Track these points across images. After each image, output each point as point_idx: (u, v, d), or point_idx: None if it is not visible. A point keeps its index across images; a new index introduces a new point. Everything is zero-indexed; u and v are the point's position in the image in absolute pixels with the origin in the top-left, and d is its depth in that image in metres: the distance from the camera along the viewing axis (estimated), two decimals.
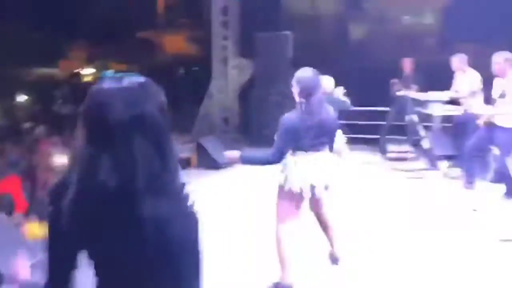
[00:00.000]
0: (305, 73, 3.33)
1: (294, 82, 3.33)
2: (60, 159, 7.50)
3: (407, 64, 7.92)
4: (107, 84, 1.26)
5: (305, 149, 3.25)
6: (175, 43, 32.45)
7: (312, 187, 3.25)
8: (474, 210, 5.12)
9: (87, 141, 1.22)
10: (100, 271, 1.25)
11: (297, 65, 8.88)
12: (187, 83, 9.84)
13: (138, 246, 1.20)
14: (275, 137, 3.26)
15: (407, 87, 7.65)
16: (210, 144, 7.23)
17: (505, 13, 10.26)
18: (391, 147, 7.64)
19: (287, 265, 3.32)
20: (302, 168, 3.24)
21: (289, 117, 3.25)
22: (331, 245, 3.74)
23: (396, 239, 4.35)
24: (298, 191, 3.23)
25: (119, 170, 1.18)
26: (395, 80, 7.85)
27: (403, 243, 4.25)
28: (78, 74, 25.49)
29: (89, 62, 27.51)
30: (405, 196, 5.71)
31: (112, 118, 1.19)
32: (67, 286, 1.27)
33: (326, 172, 3.31)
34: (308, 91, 3.22)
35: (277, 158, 3.24)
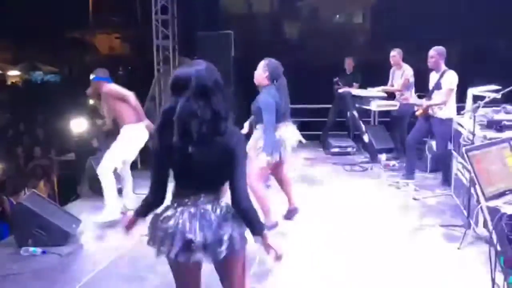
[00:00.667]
0: (274, 60, 4.25)
1: (264, 68, 4.17)
2: None
3: (349, 63, 8.21)
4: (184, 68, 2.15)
5: (280, 120, 4.15)
6: (108, 42, 31.45)
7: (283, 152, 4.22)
8: (414, 199, 5.43)
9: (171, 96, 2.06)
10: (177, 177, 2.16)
11: (238, 63, 8.96)
12: (126, 84, 9.51)
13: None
14: (264, 114, 4.01)
15: (349, 85, 7.95)
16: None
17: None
18: (333, 142, 7.88)
19: (270, 210, 4.29)
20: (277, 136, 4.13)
21: (273, 95, 4.10)
22: (290, 200, 4.65)
23: (345, 230, 4.52)
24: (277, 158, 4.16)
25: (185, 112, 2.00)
26: (336, 78, 8.12)
27: (351, 234, 4.43)
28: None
29: (14, 63, 26.06)
30: (351, 188, 5.93)
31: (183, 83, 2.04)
32: (165, 191, 2.17)
33: (291, 139, 4.31)
34: (278, 74, 4.21)
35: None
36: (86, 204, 5.61)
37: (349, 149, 7.72)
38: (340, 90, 7.58)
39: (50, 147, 8.69)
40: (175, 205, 2.13)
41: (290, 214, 4.64)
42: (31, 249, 4.05)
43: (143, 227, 4.37)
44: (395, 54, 6.88)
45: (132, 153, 5.10)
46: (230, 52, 8.53)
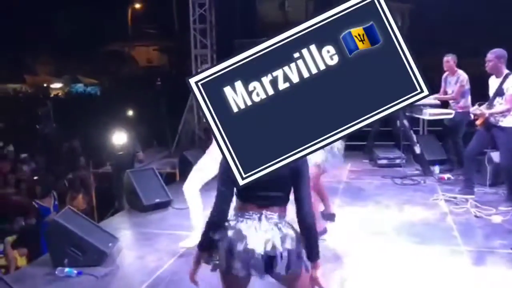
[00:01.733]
0: None
1: None
2: None
3: None
4: None
5: None
6: (146, 54, 31.91)
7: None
8: (476, 216, 4.93)
9: None
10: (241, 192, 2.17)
11: None
12: (164, 95, 9.41)
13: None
14: None
15: None
16: (195, 158, 6.84)
17: None
18: (380, 153, 7.42)
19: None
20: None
21: None
22: (327, 206, 4.48)
23: (396, 250, 4.10)
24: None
25: None
26: None
27: (403, 253, 4.00)
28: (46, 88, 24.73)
29: (57, 75, 26.78)
30: (403, 203, 5.48)
31: None
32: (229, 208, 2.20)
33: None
34: None
35: None
36: (124, 219, 5.41)
37: (398, 161, 7.24)
38: None
39: (89, 159, 8.63)
40: (239, 219, 2.16)
41: (330, 218, 4.55)
42: (66, 269, 3.84)
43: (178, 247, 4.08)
44: (449, 59, 6.41)
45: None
46: None
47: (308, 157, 2.63)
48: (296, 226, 2.20)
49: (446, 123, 6.69)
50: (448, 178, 6.33)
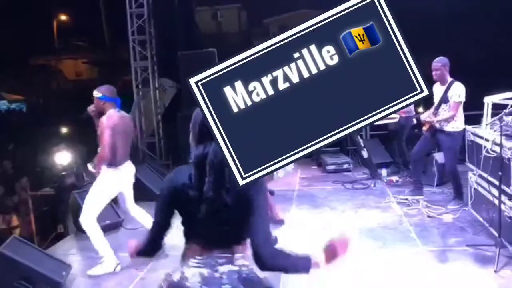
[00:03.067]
0: None
1: None
2: None
3: None
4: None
5: None
6: (74, 67, 30.64)
7: None
8: (429, 216, 5.11)
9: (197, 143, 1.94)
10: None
11: None
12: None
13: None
14: None
15: None
16: (142, 174, 6.58)
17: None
18: (328, 159, 7.54)
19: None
20: None
21: None
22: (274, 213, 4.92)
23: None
24: None
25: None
26: None
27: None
28: None
29: None
30: (356, 208, 5.57)
31: None
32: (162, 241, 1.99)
33: None
34: None
35: None
36: (73, 244, 5.06)
37: (346, 166, 7.39)
38: None
39: (20, 181, 8.03)
40: (189, 264, 1.85)
41: (278, 223, 4.98)
42: None
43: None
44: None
45: (113, 195, 4.39)
46: None
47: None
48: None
49: (390, 128, 6.92)
50: (396, 181, 6.53)
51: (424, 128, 5.43)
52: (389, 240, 4.49)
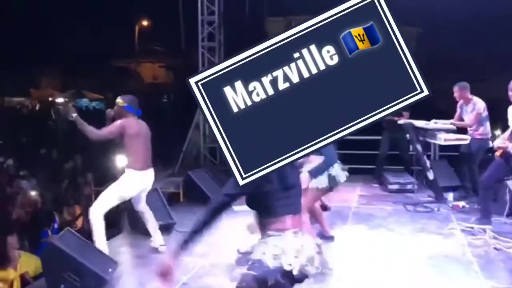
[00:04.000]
0: None
1: None
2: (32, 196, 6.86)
3: None
4: None
5: None
6: (151, 71, 31.96)
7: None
8: (496, 248, 4.68)
9: None
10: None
11: None
12: (170, 112, 9.25)
13: None
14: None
15: (398, 114, 7.32)
16: (200, 178, 6.64)
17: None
18: (391, 178, 7.19)
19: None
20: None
21: None
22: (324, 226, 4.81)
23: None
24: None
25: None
26: None
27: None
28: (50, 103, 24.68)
29: (61, 90, 26.76)
30: (417, 232, 5.23)
31: None
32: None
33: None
34: None
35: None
36: (125, 242, 5.17)
37: (409, 186, 7.00)
38: (400, 122, 6.91)
39: (92, 176, 8.39)
40: (268, 236, 2.12)
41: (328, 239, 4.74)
42: None
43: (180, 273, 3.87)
44: (456, 90, 6.23)
45: (129, 197, 4.58)
46: None
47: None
48: None
49: (462, 150, 6.47)
50: (463, 206, 6.08)
51: (497, 154, 5.01)
52: (448, 270, 4.15)
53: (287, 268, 2.02)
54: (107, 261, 4.10)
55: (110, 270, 3.97)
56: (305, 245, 2.09)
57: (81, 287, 3.72)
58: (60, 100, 23.80)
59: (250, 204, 2.26)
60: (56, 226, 6.00)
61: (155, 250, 4.75)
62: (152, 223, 4.76)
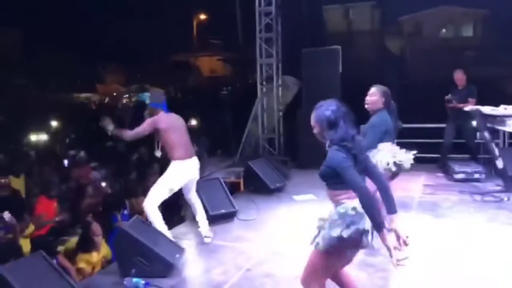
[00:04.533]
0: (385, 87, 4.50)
1: (380, 95, 4.41)
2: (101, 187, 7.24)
3: (460, 77, 7.25)
4: None
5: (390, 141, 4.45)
6: (210, 64, 32.54)
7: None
8: None
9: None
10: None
11: (346, 80, 8.40)
12: (229, 105, 9.41)
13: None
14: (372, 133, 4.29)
15: (464, 101, 7.04)
16: (260, 168, 6.73)
17: None
18: (457, 167, 6.93)
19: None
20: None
21: (386, 119, 4.38)
22: None
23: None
24: None
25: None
26: (449, 96, 7.23)
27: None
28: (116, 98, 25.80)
29: (125, 85, 27.91)
30: (484, 223, 5.03)
31: None
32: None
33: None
34: (390, 99, 4.51)
35: None
36: (189, 229, 5.35)
37: (476, 175, 6.72)
38: (466, 108, 6.64)
39: (152, 167, 8.70)
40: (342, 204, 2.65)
41: None
42: (134, 280, 3.79)
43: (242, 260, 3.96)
44: None
45: (177, 187, 4.73)
46: (338, 68, 8.00)
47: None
48: None
49: None
50: None
51: None
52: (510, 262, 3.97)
53: (367, 227, 2.54)
54: (175, 248, 4.28)
55: (177, 256, 4.14)
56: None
57: (151, 271, 3.91)
58: (124, 94, 24.85)
59: (331, 178, 2.62)
60: (126, 212, 6.30)
61: (219, 237, 4.90)
62: (200, 214, 4.93)
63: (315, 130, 2.74)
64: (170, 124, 4.63)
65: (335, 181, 2.61)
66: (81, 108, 23.28)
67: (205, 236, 4.84)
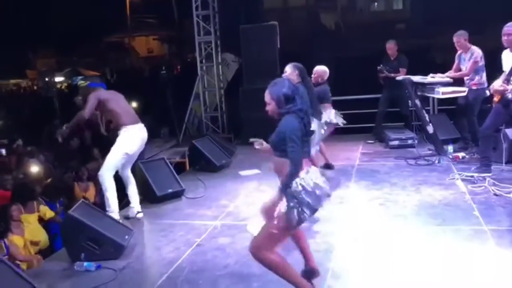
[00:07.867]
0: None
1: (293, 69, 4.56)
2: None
3: (391, 47, 7.60)
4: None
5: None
6: (147, 44, 31.64)
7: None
8: (496, 194, 4.84)
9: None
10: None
11: (284, 55, 8.53)
12: (169, 85, 9.28)
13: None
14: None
15: (395, 71, 7.40)
16: (204, 146, 6.77)
17: None
18: (391, 134, 7.31)
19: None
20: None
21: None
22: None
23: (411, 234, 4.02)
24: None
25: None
26: (381, 66, 7.57)
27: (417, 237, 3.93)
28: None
29: (58, 70, 26.62)
30: (419, 184, 5.39)
31: None
32: None
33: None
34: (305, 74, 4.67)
35: None
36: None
37: (410, 142, 7.12)
38: (398, 78, 6.98)
39: (100, 151, 8.47)
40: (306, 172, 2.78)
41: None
42: (85, 264, 3.78)
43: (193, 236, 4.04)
44: (459, 38, 6.26)
45: (133, 154, 4.87)
46: (276, 44, 8.10)
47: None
48: None
49: (460, 102, 6.57)
50: (463, 157, 6.22)
51: (495, 99, 5.11)
52: (449, 217, 4.32)
53: (325, 185, 2.74)
54: (123, 229, 4.28)
55: (126, 237, 4.15)
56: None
57: (101, 254, 3.90)
58: (58, 79, 23.71)
59: (283, 145, 2.72)
60: (61, 199, 6.22)
61: (168, 216, 4.94)
62: (133, 190, 5.01)
63: (270, 107, 2.84)
64: (112, 94, 4.85)
65: (285, 148, 2.72)
66: (11, 95, 22.07)
67: (138, 212, 4.95)
